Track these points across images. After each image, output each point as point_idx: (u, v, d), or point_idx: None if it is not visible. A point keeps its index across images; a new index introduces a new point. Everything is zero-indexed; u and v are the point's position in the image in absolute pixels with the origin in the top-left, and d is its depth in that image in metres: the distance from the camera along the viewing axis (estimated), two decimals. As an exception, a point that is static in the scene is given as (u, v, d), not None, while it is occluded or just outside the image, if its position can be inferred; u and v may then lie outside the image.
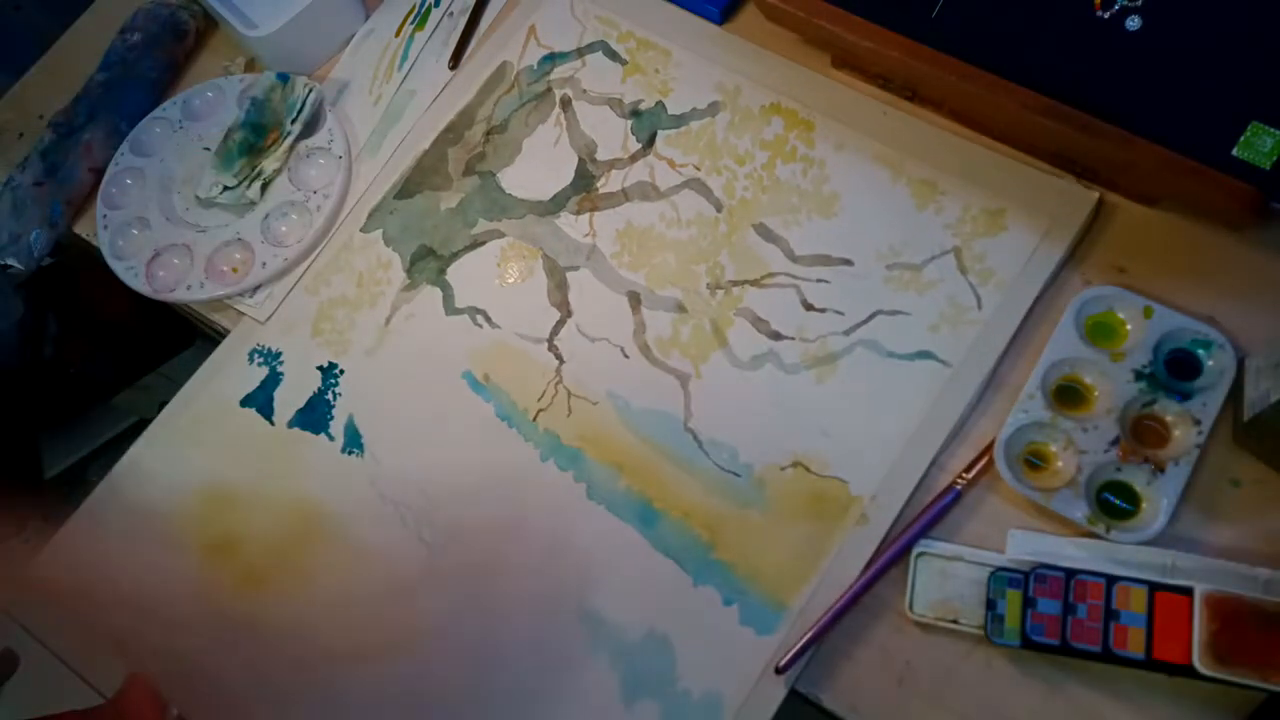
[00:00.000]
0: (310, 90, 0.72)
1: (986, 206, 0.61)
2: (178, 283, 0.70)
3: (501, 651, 0.57)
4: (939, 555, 0.54)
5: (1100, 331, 0.56)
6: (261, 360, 0.69)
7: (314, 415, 0.66)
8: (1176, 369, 0.55)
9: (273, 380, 0.68)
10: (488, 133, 0.71)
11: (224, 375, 0.69)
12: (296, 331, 0.69)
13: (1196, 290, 0.57)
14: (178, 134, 0.75)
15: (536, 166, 0.69)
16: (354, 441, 0.65)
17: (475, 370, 0.65)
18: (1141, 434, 0.54)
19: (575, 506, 0.60)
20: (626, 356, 0.63)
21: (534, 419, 0.62)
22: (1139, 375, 0.54)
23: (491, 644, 0.57)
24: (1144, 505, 0.53)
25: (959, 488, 0.55)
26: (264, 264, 0.69)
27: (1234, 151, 0.52)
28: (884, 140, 0.64)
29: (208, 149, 0.74)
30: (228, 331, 0.70)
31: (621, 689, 0.56)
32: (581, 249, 0.66)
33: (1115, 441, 0.53)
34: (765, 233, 0.64)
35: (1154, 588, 0.50)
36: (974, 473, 0.55)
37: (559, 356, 0.64)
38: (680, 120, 0.68)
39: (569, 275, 0.66)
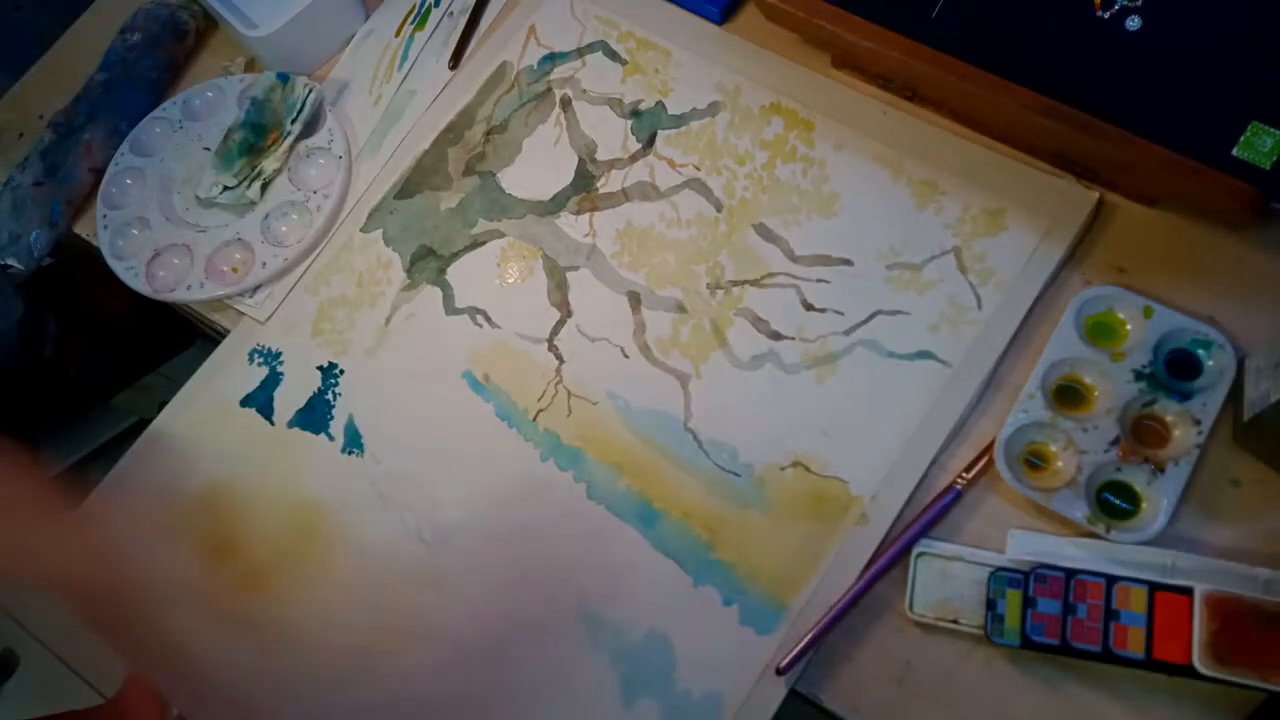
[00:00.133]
0: (310, 90, 0.72)
1: (986, 206, 0.61)
2: (178, 283, 0.70)
3: (501, 651, 0.57)
4: (939, 555, 0.54)
5: (1100, 331, 0.56)
6: (261, 360, 0.69)
7: (314, 415, 0.66)
8: (1176, 369, 0.55)
9: (273, 380, 0.68)
10: (488, 133, 0.71)
11: (224, 375, 0.69)
12: (296, 331, 0.69)
13: (1196, 290, 0.57)
14: (178, 134, 0.75)
15: (536, 166, 0.69)
16: (354, 441, 0.65)
17: (475, 370, 0.65)
18: (1141, 434, 0.54)
19: (575, 506, 0.60)
20: (626, 356, 0.63)
21: (534, 419, 0.62)
22: (1139, 375, 0.54)
23: (491, 644, 0.57)
24: (1144, 505, 0.53)
25: (959, 488, 0.55)
26: (264, 264, 0.69)
27: (1234, 151, 0.52)
28: (884, 140, 0.64)
29: (208, 149, 0.74)
30: (228, 331, 0.70)
31: (621, 689, 0.56)
32: (581, 249, 0.66)
33: (1115, 441, 0.53)
34: (765, 233, 0.64)
35: (1154, 588, 0.50)
36: (974, 473, 0.55)
37: (559, 356, 0.64)
38: (680, 120, 0.68)
39: (569, 275, 0.66)
